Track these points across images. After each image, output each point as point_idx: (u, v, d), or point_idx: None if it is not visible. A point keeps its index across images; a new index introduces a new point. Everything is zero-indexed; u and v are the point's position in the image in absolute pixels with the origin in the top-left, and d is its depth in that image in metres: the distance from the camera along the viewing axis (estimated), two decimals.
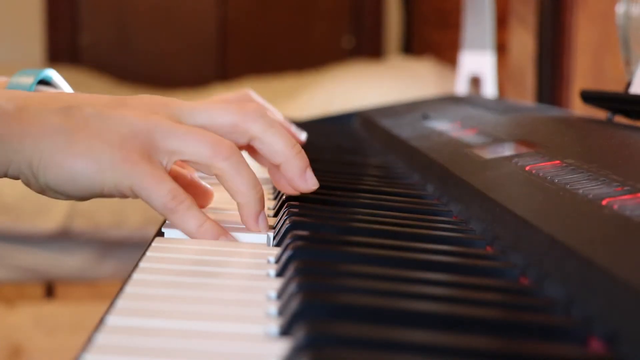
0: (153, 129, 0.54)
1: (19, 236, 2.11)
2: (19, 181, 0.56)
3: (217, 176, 0.55)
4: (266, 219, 0.56)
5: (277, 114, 0.75)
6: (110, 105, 0.56)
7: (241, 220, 0.56)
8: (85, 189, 0.54)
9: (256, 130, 0.57)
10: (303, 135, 0.75)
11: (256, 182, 0.56)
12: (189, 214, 0.53)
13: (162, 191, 0.53)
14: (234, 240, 0.55)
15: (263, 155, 0.59)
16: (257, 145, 0.58)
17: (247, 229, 0.56)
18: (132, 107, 0.56)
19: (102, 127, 0.54)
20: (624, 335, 0.35)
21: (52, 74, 0.73)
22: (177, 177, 0.59)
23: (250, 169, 0.56)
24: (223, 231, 0.55)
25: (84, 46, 3.26)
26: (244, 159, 0.56)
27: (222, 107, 0.58)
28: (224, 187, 0.56)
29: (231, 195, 0.56)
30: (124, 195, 0.54)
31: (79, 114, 0.54)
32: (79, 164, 0.53)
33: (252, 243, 0.55)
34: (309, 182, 0.58)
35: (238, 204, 0.56)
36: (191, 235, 0.54)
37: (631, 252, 0.39)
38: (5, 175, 0.55)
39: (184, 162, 0.55)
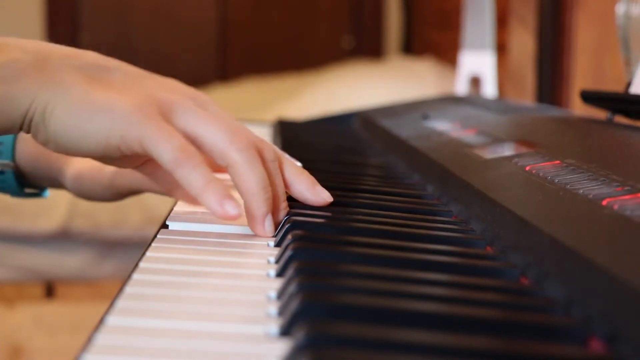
0: (175, 102, 0.54)
1: (19, 236, 2.11)
2: None
3: (229, 168, 0.54)
4: (272, 223, 0.55)
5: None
6: (138, 75, 0.55)
7: (247, 222, 0.55)
8: (90, 137, 0.52)
9: (269, 158, 0.57)
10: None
11: (267, 183, 0.54)
12: (197, 170, 0.51)
13: (172, 144, 0.51)
14: (239, 206, 0.52)
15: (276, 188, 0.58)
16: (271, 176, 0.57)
17: (254, 232, 0.55)
18: (160, 82, 0.56)
19: (124, 88, 0.53)
20: (624, 335, 0.35)
21: None
22: None
23: (263, 169, 0.55)
24: (229, 194, 0.52)
25: (84, 46, 3.26)
26: (259, 157, 0.55)
27: (245, 127, 0.57)
28: (234, 182, 0.54)
29: (239, 191, 0.54)
30: (130, 150, 0.52)
31: (103, 74, 0.54)
32: (89, 112, 0.52)
33: (252, 243, 0.55)
34: (319, 196, 0.60)
35: (245, 202, 0.54)
36: (197, 193, 0.52)
37: (631, 252, 0.39)
38: (21, 128, 0.54)
39: (198, 147, 0.54)
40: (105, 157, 0.55)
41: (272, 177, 0.56)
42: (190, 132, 0.53)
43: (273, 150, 0.58)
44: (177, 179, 0.52)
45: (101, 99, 0.52)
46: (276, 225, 0.56)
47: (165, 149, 0.51)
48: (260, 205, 0.54)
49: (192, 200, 0.60)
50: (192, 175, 0.51)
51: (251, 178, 0.54)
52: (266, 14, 3.32)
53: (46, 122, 0.53)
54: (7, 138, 0.72)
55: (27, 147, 0.74)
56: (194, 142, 0.54)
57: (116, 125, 0.52)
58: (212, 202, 0.52)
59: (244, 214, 0.55)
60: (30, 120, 0.53)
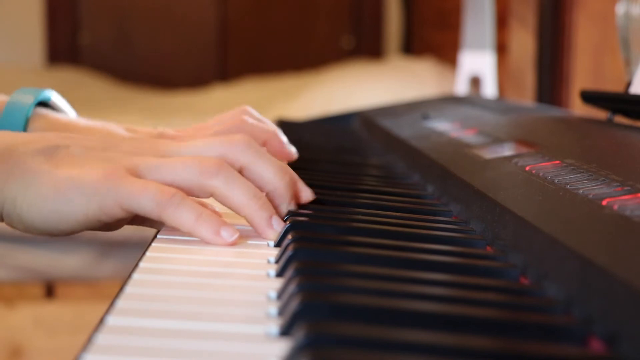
0: (139, 165, 0.54)
1: (19, 236, 2.11)
2: None
3: (213, 196, 0.54)
4: (281, 222, 0.55)
5: (270, 124, 0.74)
6: (97, 147, 0.55)
7: (256, 233, 0.55)
8: (68, 218, 0.52)
9: (244, 161, 0.57)
10: (293, 150, 0.74)
11: (255, 191, 0.55)
12: (183, 206, 0.52)
13: (150, 192, 0.51)
14: (236, 231, 0.53)
15: (253, 183, 0.57)
16: (246, 174, 0.57)
17: (265, 238, 0.55)
18: (120, 149, 0.56)
19: (86, 163, 0.53)
20: (624, 335, 0.35)
21: (51, 94, 0.72)
22: None
23: (244, 180, 0.55)
24: (222, 221, 0.53)
25: (84, 46, 3.26)
26: (235, 172, 0.55)
27: (208, 142, 0.58)
28: (225, 205, 0.55)
29: (234, 211, 0.55)
30: (111, 217, 0.53)
31: (64, 152, 0.54)
32: (60, 194, 0.52)
33: (252, 243, 0.54)
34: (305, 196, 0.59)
35: (245, 218, 0.55)
36: (191, 230, 0.52)
37: (631, 252, 0.39)
38: None
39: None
40: (92, 229, 0.55)
41: (254, 169, 0.57)
42: (163, 182, 0.53)
43: (242, 142, 0.57)
44: (167, 223, 0.53)
45: (68, 178, 0.52)
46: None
47: (145, 199, 0.51)
48: (258, 214, 0.54)
49: None
50: (179, 214, 0.52)
51: (237, 195, 0.54)
52: (266, 14, 3.32)
53: (19, 212, 0.53)
54: (17, 129, 0.72)
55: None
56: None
57: (90, 198, 0.52)
58: (207, 234, 0.52)
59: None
60: (1, 213, 0.54)
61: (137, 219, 0.58)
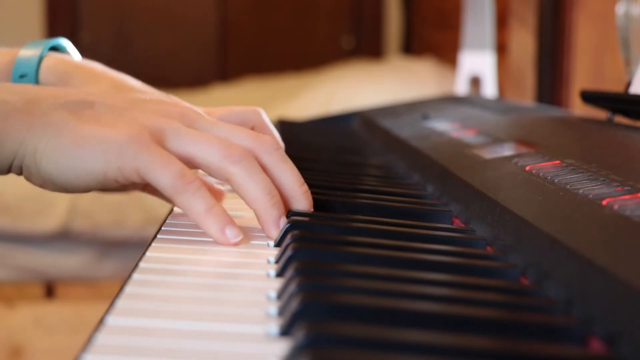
0: (165, 128, 0.53)
1: (19, 236, 2.11)
2: (19, 181, 0.55)
3: (229, 182, 0.54)
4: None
5: (277, 134, 0.74)
6: (122, 105, 0.55)
7: (262, 229, 0.55)
8: (87, 175, 0.52)
9: (269, 161, 0.56)
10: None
11: (271, 188, 0.54)
12: (197, 196, 0.52)
13: (170, 171, 0.51)
14: (240, 233, 0.53)
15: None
16: (267, 175, 0.56)
17: (269, 236, 0.54)
18: (147, 109, 0.55)
19: (112, 121, 0.53)
20: (624, 335, 0.35)
21: (65, 43, 0.73)
22: None
23: (264, 175, 0.54)
24: (230, 220, 0.52)
25: (84, 46, 3.26)
26: (257, 165, 0.54)
27: (239, 130, 0.57)
28: (238, 194, 0.54)
29: (246, 202, 0.54)
30: (128, 180, 0.52)
31: (89, 108, 0.54)
32: (82, 149, 0.52)
33: (252, 243, 0.55)
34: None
35: (254, 211, 0.54)
36: (198, 220, 0.52)
37: (631, 252, 0.39)
38: (9, 170, 0.54)
39: (195, 166, 0.54)
40: (105, 189, 0.55)
41: (276, 172, 0.56)
42: (184, 154, 0.53)
43: (271, 144, 0.57)
44: (177, 206, 0.52)
45: (92, 135, 0.52)
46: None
47: (163, 176, 0.51)
48: (269, 211, 0.54)
49: None
50: (192, 202, 0.52)
51: (253, 187, 0.54)
52: (266, 14, 3.32)
53: (39, 164, 0.53)
54: (31, 69, 0.72)
55: (49, 76, 0.73)
56: (190, 162, 0.54)
57: (111, 159, 0.51)
58: (213, 229, 0.52)
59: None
60: (21, 164, 0.53)
61: (148, 188, 0.57)
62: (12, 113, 0.52)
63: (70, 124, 0.52)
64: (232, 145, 0.54)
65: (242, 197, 0.54)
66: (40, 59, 0.71)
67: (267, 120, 0.74)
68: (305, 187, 0.57)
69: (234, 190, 0.54)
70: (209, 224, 0.52)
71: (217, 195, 0.61)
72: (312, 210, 0.58)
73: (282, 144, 0.73)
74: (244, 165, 0.54)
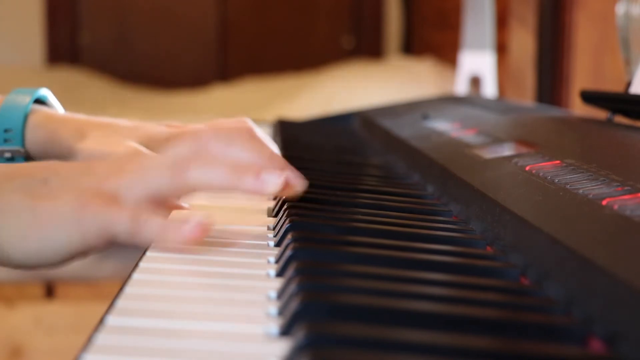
0: (116, 187, 0.53)
1: None
2: None
3: (197, 190, 0.54)
4: (274, 173, 0.53)
5: (274, 146, 0.73)
6: (73, 175, 0.55)
7: (256, 197, 0.54)
8: (54, 253, 0.52)
9: (216, 149, 0.56)
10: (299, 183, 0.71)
11: (230, 164, 0.53)
12: (149, 224, 0.51)
13: (124, 217, 0.51)
14: (200, 225, 0.51)
15: None
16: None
17: (265, 194, 0.54)
18: (98, 172, 0.55)
19: (64, 194, 0.53)
20: (624, 335, 0.35)
21: (46, 93, 0.73)
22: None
23: (217, 160, 0.54)
24: (184, 222, 0.51)
25: (84, 46, 3.26)
26: (206, 158, 0.54)
27: (176, 143, 0.57)
28: (213, 192, 0.54)
29: (224, 192, 0.54)
30: (95, 247, 0.52)
31: (42, 187, 0.53)
32: (43, 231, 0.52)
33: (252, 243, 0.54)
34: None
35: (237, 193, 0.54)
36: (160, 241, 0.51)
37: (631, 252, 0.39)
38: None
39: (160, 199, 0.54)
40: (73, 259, 0.55)
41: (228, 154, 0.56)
42: (142, 199, 0.53)
43: (208, 132, 0.57)
44: (141, 245, 0.52)
45: (49, 213, 0.52)
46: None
47: (119, 225, 0.51)
48: (243, 182, 0.53)
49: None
50: (147, 233, 0.51)
51: (213, 177, 0.53)
52: (266, 14, 3.32)
53: (4, 251, 0.52)
54: (16, 124, 0.72)
55: (36, 133, 0.74)
56: (155, 200, 0.53)
57: (72, 234, 0.51)
58: (172, 237, 0.51)
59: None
60: None
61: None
62: None
63: (25, 209, 0.52)
64: (177, 160, 0.54)
65: (217, 192, 0.54)
66: (26, 116, 0.71)
67: (256, 128, 0.73)
68: (269, 152, 0.57)
69: (208, 192, 0.54)
70: (168, 238, 0.51)
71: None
72: (284, 173, 0.55)
73: (276, 149, 0.72)
74: (194, 167, 0.53)
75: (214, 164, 0.53)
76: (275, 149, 0.72)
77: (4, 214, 0.52)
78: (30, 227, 0.52)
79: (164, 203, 0.56)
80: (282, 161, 0.58)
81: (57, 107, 0.74)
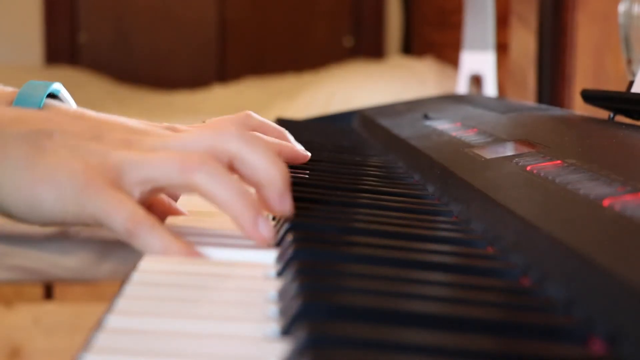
0: (121, 161, 0.52)
1: (18, 236, 2.11)
2: None
3: (199, 194, 0.51)
4: (269, 224, 0.51)
5: (280, 130, 0.70)
6: (83, 135, 0.54)
7: (243, 233, 0.51)
8: (46, 217, 0.51)
9: (234, 150, 0.53)
10: (302, 153, 0.69)
11: (239, 187, 0.51)
12: (152, 235, 0.49)
13: (121, 216, 0.49)
14: (205, 260, 0.50)
15: (244, 175, 0.54)
16: (238, 165, 0.53)
17: (253, 239, 0.51)
18: (106, 140, 0.54)
19: (68, 155, 0.52)
20: (625, 335, 0.35)
21: (59, 87, 0.73)
22: (152, 205, 0.57)
23: (230, 176, 0.51)
24: (190, 249, 0.50)
25: (83, 46, 3.26)
26: (219, 166, 0.51)
27: (196, 134, 0.55)
28: (211, 203, 0.51)
29: (221, 209, 0.51)
30: (86, 224, 0.52)
31: (46, 140, 0.53)
32: (38, 189, 0.51)
33: (252, 243, 0.54)
34: (285, 206, 0.54)
35: (230, 217, 0.51)
36: (161, 254, 0.49)
37: (632, 252, 0.39)
38: None
39: (159, 190, 0.53)
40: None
41: (245, 160, 0.53)
42: (146, 181, 0.52)
43: (230, 133, 0.54)
44: (136, 248, 0.50)
45: (49, 176, 0.51)
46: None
47: (116, 222, 0.50)
48: (243, 214, 0.50)
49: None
50: (146, 243, 0.50)
51: (221, 191, 0.50)
52: (266, 14, 3.32)
53: (1, 195, 0.52)
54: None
55: None
56: (154, 188, 0.52)
57: (69, 206, 0.51)
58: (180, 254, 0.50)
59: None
60: None
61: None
62: None
63: (24, 159, 0.51)
64: (188, 154, 0.51)
65: (216, 205, 0.51)
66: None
67: (261, 118, 0.72)
68: (280, 166, 0.53)
69: (207, 200, 0.51)
70: (173, 253, 0.50)
71: (175, 214, 0.60)
72: (287, 192, 0.53)
73: (289, 136, 0.71)
74: (205, 172, 0.50)
75: (224, 178, 0.51)
76: (290, 137, 0.71)
77: (3, 158, 0.51)
78: (26, 180, 0.51)
79: (162, 190, 0.55)
80: (286, 178, 0.55)
81: (70, 101, 0.74)
